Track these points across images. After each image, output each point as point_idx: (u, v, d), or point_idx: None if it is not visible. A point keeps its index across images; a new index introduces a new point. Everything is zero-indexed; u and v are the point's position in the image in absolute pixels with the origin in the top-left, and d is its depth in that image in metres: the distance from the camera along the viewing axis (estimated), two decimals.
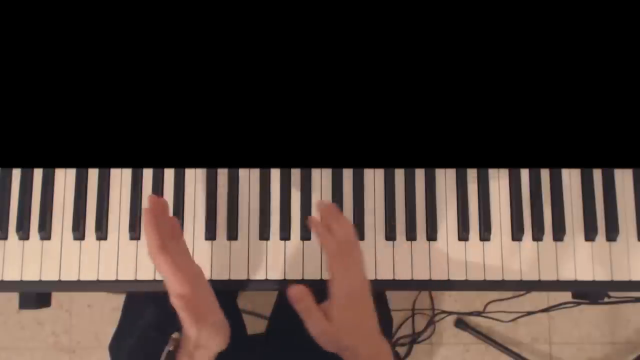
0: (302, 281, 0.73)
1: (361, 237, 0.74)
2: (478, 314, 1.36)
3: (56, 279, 0.73)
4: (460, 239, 0.75)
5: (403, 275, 0.74)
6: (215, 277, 0.73)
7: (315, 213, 0.74)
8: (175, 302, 0.57)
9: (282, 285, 0.73)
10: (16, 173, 0.75)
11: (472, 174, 0.76)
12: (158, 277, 0.73)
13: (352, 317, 0.61)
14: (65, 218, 0.74)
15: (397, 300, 1.39)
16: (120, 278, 0.73)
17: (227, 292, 0.89)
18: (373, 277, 0.73)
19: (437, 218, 0.75)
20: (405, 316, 1.41)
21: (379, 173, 0.76)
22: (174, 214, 0.74)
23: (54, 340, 1.42)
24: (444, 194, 0.76)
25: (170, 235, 0.61)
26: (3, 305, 1.41)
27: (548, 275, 0.74)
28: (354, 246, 0.63)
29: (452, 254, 0.74)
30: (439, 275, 0.74)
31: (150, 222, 0.58)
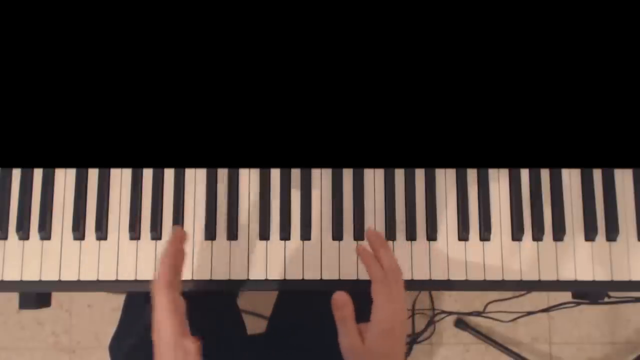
0: (302, 281, 0.73)
1: (361, 237, 0.74)
2: (478, 314, 1.36)
3: (56, 279, 0.73)
4: (460, 239, 0.75)
5: (403, 275, 0.74)
6: (215, 277, 0.73)
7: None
8: (160, 341, 0.56)
9: (282, 285, 0.73)
10: (16, 173, 0.75)
11: (472, 174, 0.76)
12: None
13: (385, 345, 0.60)
14: (65, 218, 0.74)
15: None
16: (120, 278, 0.73)
17: (227, 292, 0.89)
18: None
19: (437, 218, 0.75)
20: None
21: (379, 173, 0.76)
22: (174, 213, 0.74)
23: (54, 340, 1.42)
24: (444, 194, 0.76)
25: (178, 269, 0.61)
26: (3, 305, 1.41)
27: (548, 275, 0.74)
28: (398, 276, 0.63)
29: (452, 254, 0.74)
30: (439, 275, 0.74)
31: (170, 257, 0.59)
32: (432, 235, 0.75)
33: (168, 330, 0.56)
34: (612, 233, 0.75)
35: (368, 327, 0.60)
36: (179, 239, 0.62)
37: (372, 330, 0.60)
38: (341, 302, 0.61)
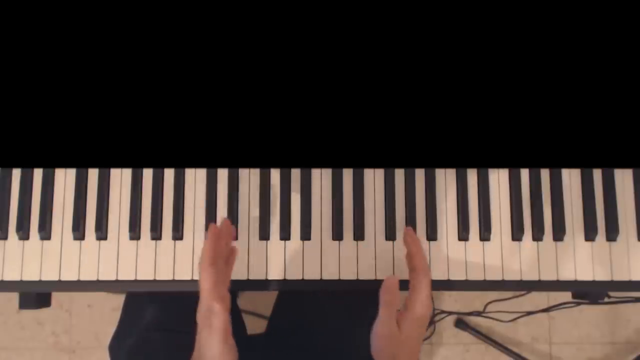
0: (302, 281, 0.73)
1: (361, 237, 0.74)
2: (478, 314, 1.36)
3: (56, 279, 0.73)
4: (460, 239, 0.75)
5: (403, 275, 0.74)
6: None
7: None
8: (206, 314, 0.59)
9: (282, 285, 0.73)
10: (16, 173, 0.75)
11: (472, 174, 0.76)
12: (158, 277, 0.73)
13: (415, 334, 0.63)
14: (65, 218, 0.74)
15: None
16: (120, 278, 0.73)
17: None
18: (373, 277, 0.73)
19: (437, 218, 0.75)
20: None
21: (379, 173, 0.76)
22: (174, 214, 0.74)
23: (54, 340, 1.42)
24: (444, 194, 0.76)
25: (224, 258, 0.65)
26: (3, 305, 1.41)
27: (548, 275, 0.74)
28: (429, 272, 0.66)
29: (452, 254, 0.74)
30: (439, 275, 0.74)
31: (213, 237, 0.63)
32: (432, 235, 0.75)
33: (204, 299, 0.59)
34: (612, 233, 0.75)
35: (405, 316, 0.62)
36: (224, 227, 0.66)
37: (410, 319, 0.62)
38: (392, 287, 0.63)
